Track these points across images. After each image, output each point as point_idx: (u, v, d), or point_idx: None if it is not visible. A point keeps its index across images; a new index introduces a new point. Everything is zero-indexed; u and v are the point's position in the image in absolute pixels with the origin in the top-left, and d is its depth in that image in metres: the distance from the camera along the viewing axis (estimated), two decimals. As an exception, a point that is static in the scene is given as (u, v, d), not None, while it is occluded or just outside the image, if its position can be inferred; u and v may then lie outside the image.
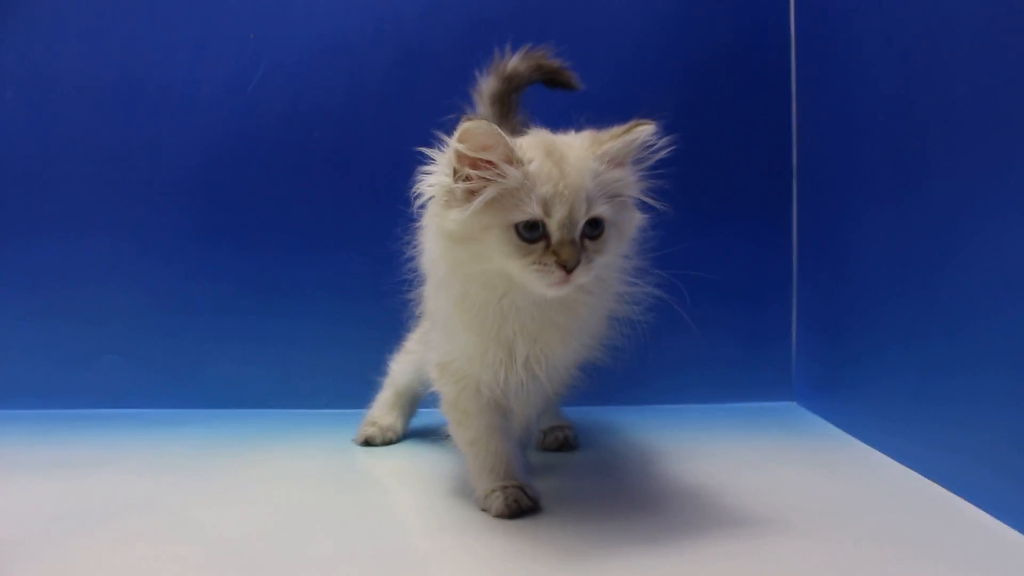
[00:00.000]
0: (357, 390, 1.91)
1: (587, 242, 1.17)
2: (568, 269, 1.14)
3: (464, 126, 1.12)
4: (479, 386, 1.33)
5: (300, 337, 2.16)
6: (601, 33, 2.13)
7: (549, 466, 1.60)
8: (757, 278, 2.17)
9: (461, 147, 1.14)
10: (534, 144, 1.20)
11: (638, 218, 1.28)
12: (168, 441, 1.86)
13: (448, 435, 1.42)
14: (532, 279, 1.16)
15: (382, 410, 1.86)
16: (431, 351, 1.42)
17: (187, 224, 2.18)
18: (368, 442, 1.80)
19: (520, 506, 1.27)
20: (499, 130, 1.13)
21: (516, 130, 1.56)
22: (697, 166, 2.12)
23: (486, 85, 1.66)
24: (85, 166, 2.18)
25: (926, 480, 1.41)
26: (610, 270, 1.28)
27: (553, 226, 1.15)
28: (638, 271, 1.37)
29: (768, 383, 2.17)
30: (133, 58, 2.17)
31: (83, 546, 1.18)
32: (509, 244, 1.15)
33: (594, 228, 1.18)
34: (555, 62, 1.69)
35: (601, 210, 1.17)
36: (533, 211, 1.14)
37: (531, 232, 1.15)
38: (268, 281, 2.17)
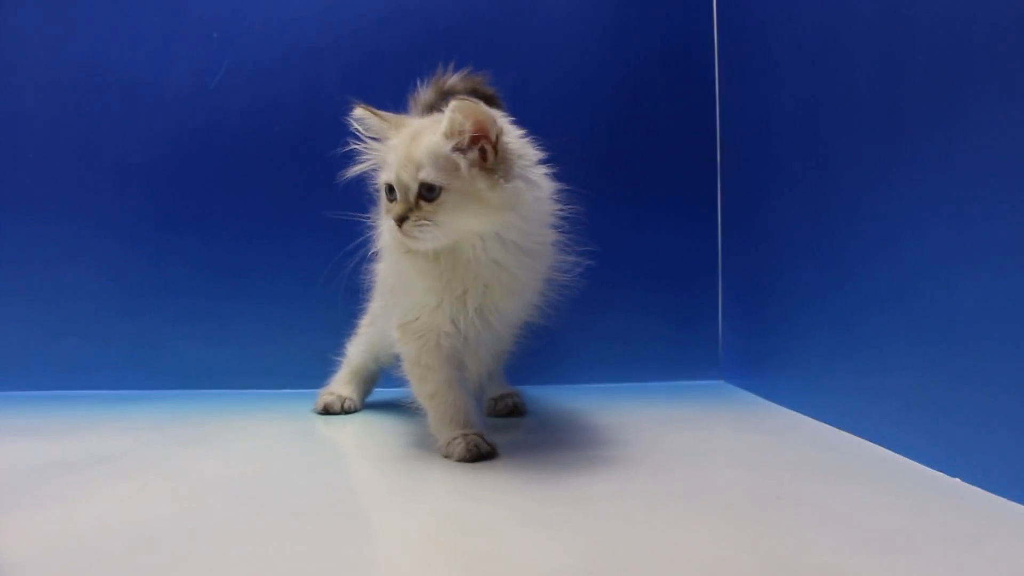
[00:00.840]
0: (316, 370, 2.02)
1: (423, 204, 1.36)
2: (397, 223, 1.35)
3: (354, 112, 1.48)
4: (439, 340, 1.48)
5: (260, 319, 2.27)
6: (543, 39, 2.32)
7: (501, 427, 1.75)
8: (685, 263, 2.35)
9: (357, 129, 1.49)
10: (408, 127, 1.45)
11: (514, 189, 1.38)
12: (135, 414, 1.95)
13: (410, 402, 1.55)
14: (387, 231, 1.42)
15: (340, 384, 1.99)
16: (391, 318, 1.57)
17: (150, 210, 2.28)
18: (327, 409, 1.92)
19: (480, 451, 1.41)
20: (370, 114, 1.46)
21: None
22: (630, 159, 2.33)
23: (424, 94, 1.81)
24: (49, 153, 2.27)
25: (839, 431, 1.61)
26: (514, 234, 1.41)
27: (396, 187, 1.39)
28: (568, 245, 1.55)
29: (697, 362, 2.35)
30: (100, 50, 2.27)
31: (78, 484, 1.29)
32: (383, 202, 1.45)
33: (430, 192, 1.36)
34: (490, 89, 1.84)
35: (427, 174, 1.35)
36: (386, 175, 1.41)
37: (390, 193, 1.41)
38: (229, 265, 2.28)
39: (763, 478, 1.32)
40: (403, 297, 1.51)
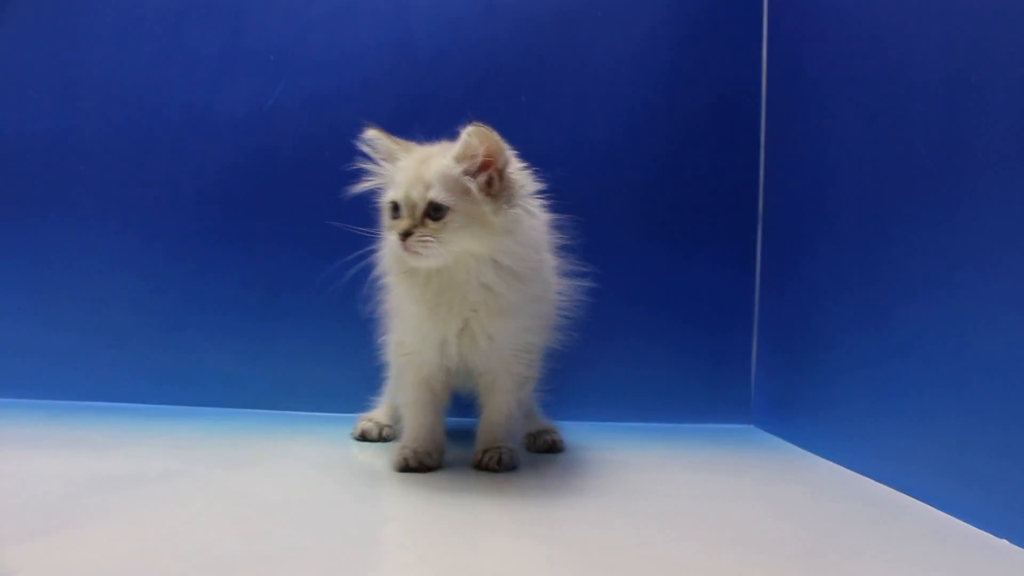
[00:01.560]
0: (355, 394, 2.05)
1: (428, 222, 1.45)
2: (402, 237, 1.44)
3: (365, 134, 1.59)
4: (420, 364, 1.61)
5: (301, 340, 2.29)
6: (597, 82, 2.35)
7: (538, 463, 1.77)
8: (720, 307, 2.37)
9: (367, 150, 1.60)
10: (417, 151, 1.56)
11: (516, 216, 1.50)
12: (176, 430, 1.96)
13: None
14: (391, 245, 1.48)
15: (380, 412, 2.00)
16: (392, 333, 1.70)
17: (197, 226, 2.31)
18: (364, 436, 1.94)
19: (407, 464, 1.58)
20: (382, 136, 1.57)
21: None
22: (671, 203, 2.35)
23: None
24: (104, 166, 2.31)
25: (877, 483, 1.62)
26: (514, 263, 1.50)
27: (401, 204, 1.48)
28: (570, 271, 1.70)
29: (728, 405, 2.36)
30: (158, 69, 2.32)
31: (138, 504, 1.31)
32: (386, 220, 1.53)
33: (436, 211, 1.45)
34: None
35: (436, 194, 1.45)
36: (392, 194, 1.50)
37: (395, 211, 1.50)
38: (273, 283, 2.31)
39: (801, 529, 1.32)
40: (395, 318, 1.65)
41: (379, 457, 1.76)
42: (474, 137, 1.45)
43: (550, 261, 1.64)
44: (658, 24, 2.36)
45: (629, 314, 2.34)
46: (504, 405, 1.66)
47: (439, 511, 1.36)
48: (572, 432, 2.08)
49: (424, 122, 2.27)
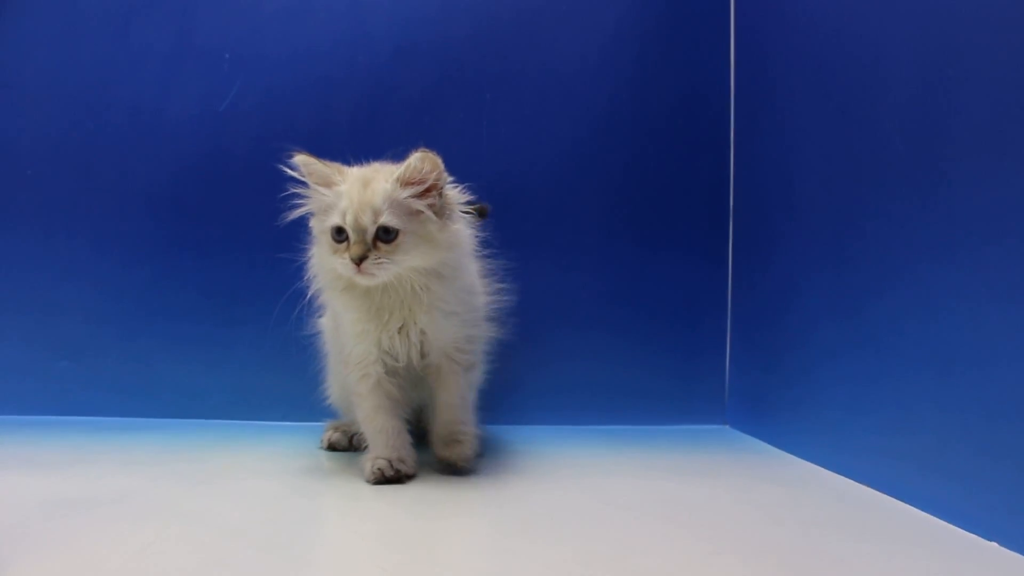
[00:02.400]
0: (317, 402, 1.97)
1: (380, 244, 1.51)
2: (356, 262, 1.49)
3: (294, 159, 1.59)
4: (368, 370, 1.64)
5: (260, 347, 2.21)
6: (563, 80, 2.30)
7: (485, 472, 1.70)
8: (692, 306, 2.34)
9: (297, 174, 1.61)
10: (355, 173, 1.58)
11: (455, 231, 1.59)
12: (133, 445, 1.88)
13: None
14: (341, 269, 1.53)
15: (348, 420, 1.93)
16: (342, 348, 1.70)
17: (149, 230, 2.22)
18: (333, 446, 1.88)
19: (384, 475, 1.57)
20: (314, 160, 1.58)
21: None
22: (640, 199, 2.32)
23: None
24: (47, 170, 2.21)
25: (857, 483, 1.59)
26: (445, 268, 1.59)
27: (348, 230, 1.51)
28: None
29: (701, 405, 2.33)
30: (103, 68, 2.22)
31: (91, 529, 1.23)
32: (328, 244, 1.56)
33: (387, 234, 1.51)
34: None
35: (387, 220, 1.50)
36: (336, 219, 1.52)
37: (339, 235, 1.54)
38: (229, 290, 2.22)
39: (782, 536, 1.28)
40: (343, 334, 1.68)
41: (348, 467, 1.69)
42: (425, 163, 1.52)
43: (473, 263, 1.73)
44: (624, 19, 2.32)
45: (598, 313, 2.30)
46: (455, 385, 1.70)
47: (415, 524, 1.30)
48: (538, 436, 2.04)
49: (383, 120, 2.24)
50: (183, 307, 2.22)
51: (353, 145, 1.68)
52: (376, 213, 1.50)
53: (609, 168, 2.32)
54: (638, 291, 2.32)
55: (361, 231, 1.51)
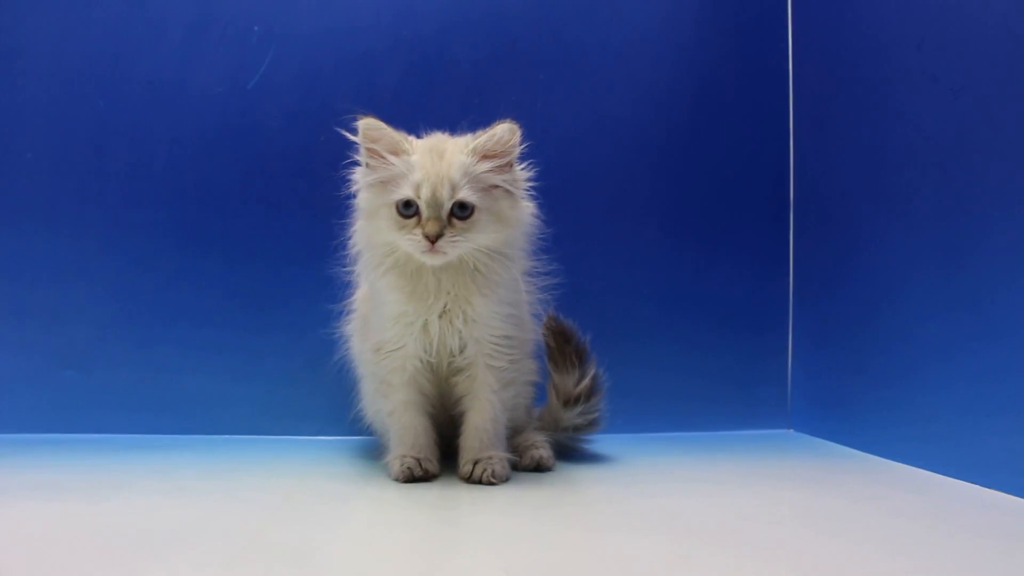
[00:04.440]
0: (356, 417, 1.78)
1: (455, 221, 1.43)
2: (431, 240, 1.40)
3: (359, 123, 1.46)
4: (404, 362, 1.54)
5: (292, 355, 2.00)
6: (617, 58, 2.14)
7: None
8: (754, 309, 2.20)
9: (358, 140, 1.48)
10: (423, 142, 1.49)
11: (524, 208, 1.53)
12: (169, 466, 1.65)
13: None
14: (408, 247, 1.43)
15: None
16: (369, 338, 1.59)
17: (168, 225, 1.98)
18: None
19: (412, 473, 1.51)
20: (384, 125, 1.45)
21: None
22: (700, 197, 2.17)
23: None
24: (51, 155, 1.96)
25: (938, 475, 1.56)
26: (509, 249, 1.52)
27: (422, 204, 1.42)
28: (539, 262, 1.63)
29: (764, 410, 2.19)
30: (117, 38, 1.98)
31: (172, 570, 1.00)
32: (392, 219, 1.45)
33: (463, 210, 1.43)
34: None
35: (465, 195, 1.42)
36: (407, 192, 1.42)
37: (407, 209, 1.44)
38: (258, 292, 2.00)
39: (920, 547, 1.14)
40: (376, 317, 1.57)
41: (418, 488, 1.49)
42: (511, 135, 1.46)
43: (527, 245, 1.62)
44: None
45: (656, 314, 2.16)
46: (488, 405, 1.57)
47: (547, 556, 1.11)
48: (600, 444, 1.89)
49: (429, 97, 2.04)
50: (206, 311, 1.99)
51: (396, 126, 1.48)
52: (454, 187, 1.42)
53: (667, 161, 2.17)
54: (696, 293, 2.18)
55: (437, 206, 1.42)
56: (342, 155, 1.57)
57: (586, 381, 1.76)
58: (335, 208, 1.62)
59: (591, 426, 1.80)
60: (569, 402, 1.76)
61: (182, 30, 1.99)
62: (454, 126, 1.57)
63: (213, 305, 1.99)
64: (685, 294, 2.17)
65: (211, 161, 1.99)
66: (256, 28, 2.00)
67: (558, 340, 1.77)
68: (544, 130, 2.06)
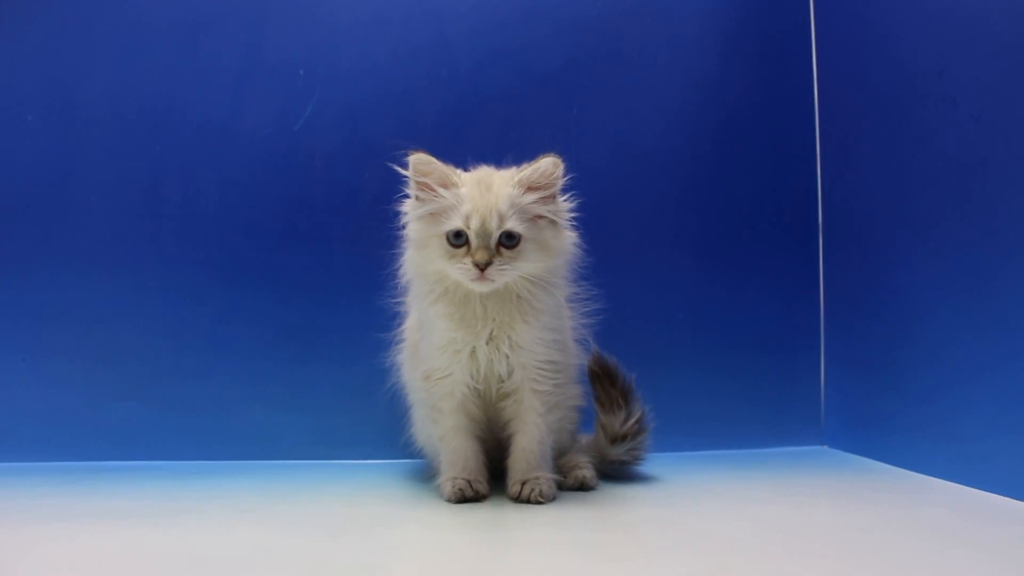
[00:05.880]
0: (399, 439, 1.85)
1: (503, 250, 1.49)
2: (481, 268, 1.45)
3: (410, 158, 1.53)
4: (453, 389, 1.60)
5: (339, 384, 2.07)
6: (646, 89, 2.22)
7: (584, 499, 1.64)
8: (786, 330, 2.25)
9: (409, 174, 1.55)
10: (471, 175, 1.56)
11: (567, 237, 1.59)
12: (232, 491, 1.72)
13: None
14: (458, 275, 1.49)
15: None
16: (419, 366, 1.66)
17: (219, 262, 2.07)
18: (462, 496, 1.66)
19: (464, 495, 1.57)
20: (434, 160, 1.52)
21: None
22: (729, 222, 2.23)
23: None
24: (111, 197, 2.05)
25: (969, 488, 1.60)
26: (552, 276, 1.57)
27: (472, 235, 1.48)
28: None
29: (797, 426, 2.23)
30: (171, 85, 2.08)
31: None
32: (442, 248, 1.51)
33: (510, 239, 1.50)
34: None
35: (512, 225, 1.49)
36: (457, 223, 1.48)
37: (457, 239, 1.50)
38: (305, 325, 2.08)
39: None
40: (425, 346, 1.62)
41: (477, 511, 1.55)
42: (555, 168, 1.53)
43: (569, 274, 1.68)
44: (705, 29, 2.25)
45: (688, 336, 2.21)
46: (535, 428, 1.62)
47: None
48: (641, 464, 1.91)
49: (467, 132, 2.13)
50: (256, 344, 2.07)
51: (441, 159, 1.55)
52: (501, 218, 1.49)
53: (697, 188, 2.24)
54: (727, 312, 2.23)
55: (486, 236, 1.48)
56: (388, 190, 1.64)
57: (631, 422, 1.81)
58: (383, 240, 1.69)
59: (636, 461, 1.85)
60: (616, 440, 1.81)
61: (231, 75, 2.09)
62: (491, 158, 1.64)
63: (264, 338, 2.06)
64: (719, 318, 2.22)
65: (260, 200, 2.08)
66: (301, 71, 2.09)
67: (604, 384, 1.82)
68: (578, 160, 2.14)
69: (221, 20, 2.10)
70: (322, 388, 2.07)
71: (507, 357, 1.58)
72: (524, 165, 1.55)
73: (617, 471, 1.85)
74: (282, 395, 2.06)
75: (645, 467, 1.90)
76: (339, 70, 2.11)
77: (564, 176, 1.56)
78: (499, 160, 1.63)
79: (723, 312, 2.23)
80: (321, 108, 2.10)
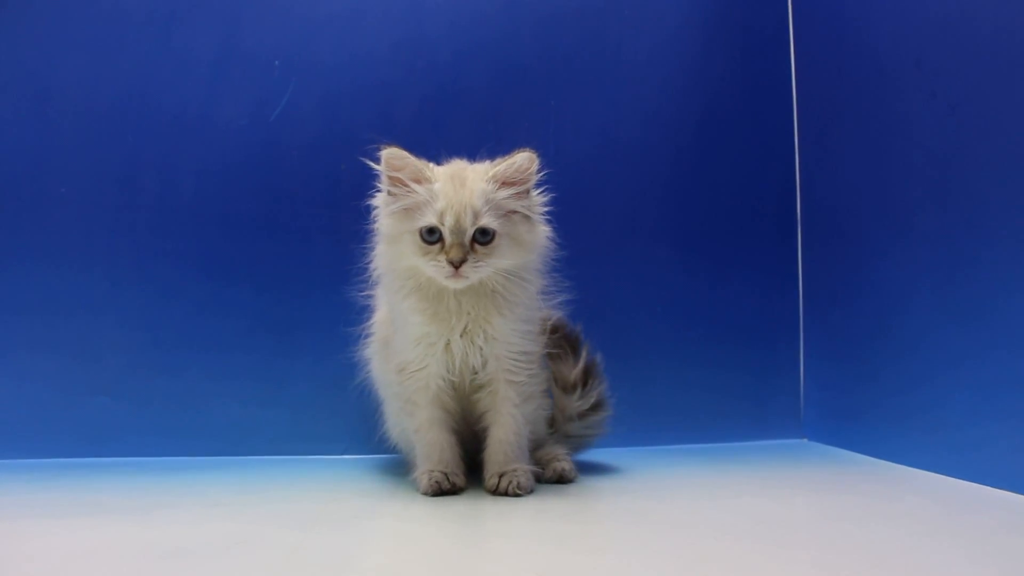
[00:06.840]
0: (383, 435, 1.84)
1: (477, 246, 1.47)
2: (455, 265, 1.44)
3: (382, 152, 1.50)
4: (428, 381, 1.59)
5: (317, 378, 2.04)
6: (625, 82, 2.21)
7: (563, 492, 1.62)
8: (765, 323, 2.25)
9: (381, 169, 1.53)
10: (444, 170, 1.54)
11: (541, 232, 1.58)
12: (204, 487, 1.69)
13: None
14: (432, 272, 1.48)
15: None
16: (391, 360, 1.64)
17: (194, 255, 2.04)
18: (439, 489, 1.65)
19: (440, 487, 1.56)
20: (407, 154, 1.49)
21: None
22: (709, 214, 2.23)
23: None
24: (85, 189, 2.02)
25: (948, 478, 1.61)
26: (526, 271, 1.57)
27: (446, 231, 1.46)
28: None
29: (777, 420, 2.24)
30: (146, 75, 2.05)
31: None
32: (416, 244, 1.49)
33: (484, 236, 1.48)
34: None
35: (487, 221, 1.47)
36: (431, 219, 1.46)
37: (431, 235, 1.48)
38: (283, 319, 2.06)
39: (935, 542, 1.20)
40: (399, 339, 1.61)
41: (453, 502, 1.53)
42: (531, 163, 1.52)
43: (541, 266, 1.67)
44: (684, 23, 2.25)
45: (667, 330, 2.21)
46: (511, 420, 1.61)
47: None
48: (620, 457, 1.95)
49: (446, 124, 2.11)
50: (232, 337, 2.04)
51: (414, 152, 1.53)
52: (476, 214, 1.47)
53: (676, 181, 2.24)
54: (706, 306, 2.23)
55: (461, 233, 1.46)
56: (363, 183, 1.61)
57: (581, 365, 1.82)
58: (355, 234, 1.67)
59: (596, 410, 1.84)
60: (567, 388, 1.82)
61: (206, 66, 2.06)
62: (469, 151, 1.62)
63: (240, 332, 2.04)
64: (698, 310, 2.22)
65: (236, 191, 2.05)
66: (277, 62, 2.07)
67: (551, 334, 1.79)
68: (557, 155, 2.12)
69: (197, 10, 2.07)
70: (300, 383, 2.05)
71: (481, 349, 1.57)
72: (498, 160, 1.54)
73: (586, 436, 1.86)
74: (259, 390, 2.04)
75: (624, 460, 1.91)
76: (316, 62, 2.09)
77: (541, 171, 1.55)
78: (476, 153, 1.61)
79: (702, 305, 2.23)
80: (298, 100, 2.08)
